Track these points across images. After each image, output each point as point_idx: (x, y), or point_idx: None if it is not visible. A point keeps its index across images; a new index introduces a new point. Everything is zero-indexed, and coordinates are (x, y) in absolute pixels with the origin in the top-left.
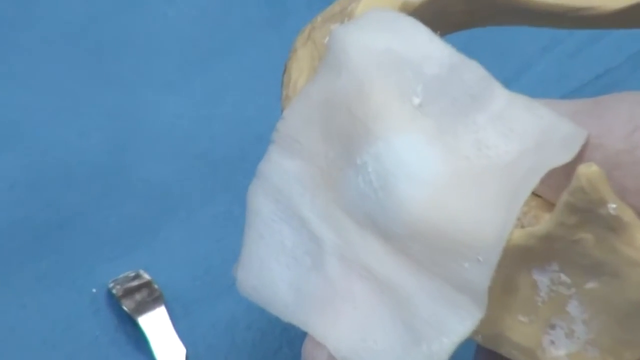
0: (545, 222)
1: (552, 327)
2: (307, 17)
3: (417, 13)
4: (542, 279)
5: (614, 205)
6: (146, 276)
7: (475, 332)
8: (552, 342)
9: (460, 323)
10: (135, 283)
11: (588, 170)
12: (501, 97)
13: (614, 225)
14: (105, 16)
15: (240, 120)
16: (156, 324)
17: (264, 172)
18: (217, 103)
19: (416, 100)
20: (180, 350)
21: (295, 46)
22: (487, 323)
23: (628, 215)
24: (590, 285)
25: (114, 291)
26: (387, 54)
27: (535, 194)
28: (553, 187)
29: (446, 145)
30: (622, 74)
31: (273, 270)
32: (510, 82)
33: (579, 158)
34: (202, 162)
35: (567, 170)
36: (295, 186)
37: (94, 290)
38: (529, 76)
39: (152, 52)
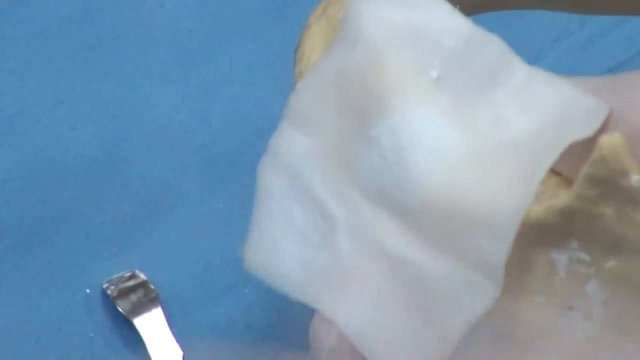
0: (565, 195)
1: (571, 308)
2: (307, 8)
3: None
4: (561, 258)
5: (637, 177)
6: (142, 276)
7: (490, 314)
8: (570, 324)
9: (475, 302)
10: (130, 283)
11: (611, 140)
12: (521, 71)
13: (636, 198)
14: (102, 8)
15: (239, 114)
16: (152, 326)
17: (275, 147)
18: (216, 96)
19: (434, 74)
20: (177, 353)
21: (309, 22)
22: (502, 304)
23: None
24: (611, 263)
25: (108, 292)
26: (404, 26)
27: (554, 171)
28: (573, 164)
29: (463, 120)
30: (634, 68)
31: (282, 247)
32: None
33: (601, 133)
34: (200, 157)
35: (587, 146)
36: (307, 162)
37: (87, 290)
38: (540, 67)
39: (148, 44)
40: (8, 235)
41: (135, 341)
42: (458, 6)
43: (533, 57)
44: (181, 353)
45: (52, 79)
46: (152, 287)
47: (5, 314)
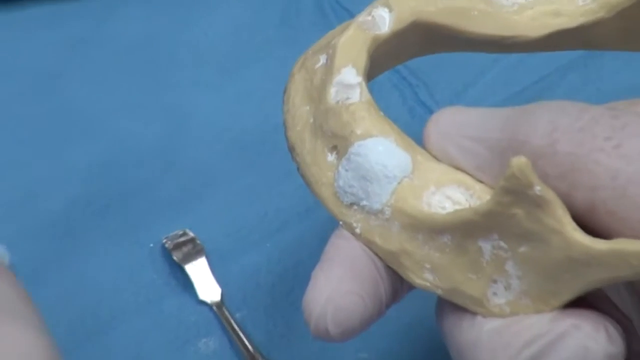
0: (486, 202)
1: (494, 282)
2: (314, 37)
3: (385, 44)
4: (486, 246)
5: (539, 188)
6: (191, 234)
7: (436, 286)
8: (495, 294)
9: None
10: (182, 239)
11: (518, 161)
12: None
13: (539, 203)
14: (161, 36)
15: (262, 115)
16: (199, 271)
17: None
18: (245, 102)
19: None
20: (217, 290)
21: (293, 72)
22: (445, 280)
23: (550, 194)
24: (523, 249)
25: (166, 245)
26: None
27: (479, 181)
28: (492, 176)
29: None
30: (552, 81)
31: None
32: (469, 86)
33: (512, 152)
34: (235, 147)
35: (502, 163)
36: None
37: (151, 244)
38: (483, 81)
39: (196, 63)
40: (92, 204)
41: (186, 282)
42: (402, 59)
43: (479, 73)
44: (220, 290)
45: (126, 88)
46: (198, 242)
47: (86, 264)
